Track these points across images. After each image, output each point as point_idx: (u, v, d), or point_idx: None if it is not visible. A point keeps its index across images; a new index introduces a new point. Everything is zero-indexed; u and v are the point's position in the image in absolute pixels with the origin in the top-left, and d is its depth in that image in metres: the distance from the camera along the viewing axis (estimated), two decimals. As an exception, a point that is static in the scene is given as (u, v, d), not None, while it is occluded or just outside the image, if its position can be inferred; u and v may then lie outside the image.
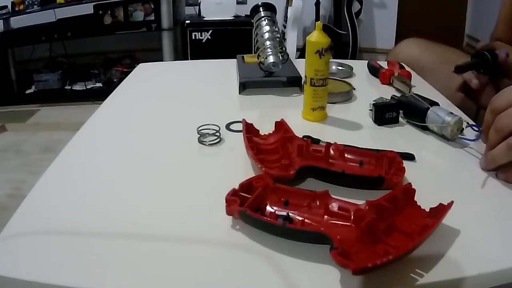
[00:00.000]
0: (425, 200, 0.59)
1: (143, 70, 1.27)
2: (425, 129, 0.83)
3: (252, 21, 1.13)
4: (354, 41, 3.07)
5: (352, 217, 0.56)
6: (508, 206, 0.62)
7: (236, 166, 0.73)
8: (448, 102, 0.98)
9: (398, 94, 1.03)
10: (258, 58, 1.07)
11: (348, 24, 3.05)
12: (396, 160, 0.67)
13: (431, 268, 0.50)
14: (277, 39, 1.06)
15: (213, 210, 0.60)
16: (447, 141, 0.80)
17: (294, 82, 1.06)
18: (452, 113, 0.79)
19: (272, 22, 1.09)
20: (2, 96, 2.80)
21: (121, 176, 0.71)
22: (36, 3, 2.77)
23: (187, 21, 2.76)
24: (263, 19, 1.08)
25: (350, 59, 2.96)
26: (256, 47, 1.08)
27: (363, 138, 0.84)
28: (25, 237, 0.56)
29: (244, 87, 1.06)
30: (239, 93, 1.04)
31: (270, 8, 1.11)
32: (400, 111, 0.89)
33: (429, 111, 0.81)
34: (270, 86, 1.07)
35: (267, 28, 1.07)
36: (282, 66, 1.05)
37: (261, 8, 1.10)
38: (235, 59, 1.22)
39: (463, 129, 0.79)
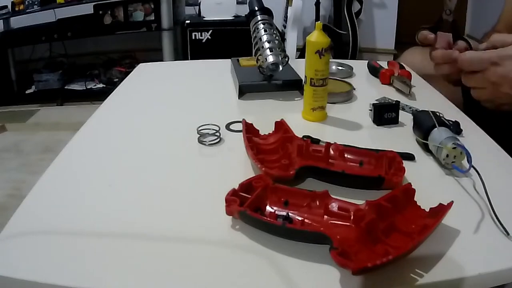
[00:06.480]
0: (425, 200, 0.59)
1: (143, 70, 1.27)
2: (426, 149, 0.76)
3: (249, 25, 1.11)
4: (354, 41, 3.07)
5: (352, 217, 0.56)
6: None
7: (236, 166, 0.73)
8: (452, 106, 0.96)
9: (400, 96, 1.04)
10: (257, 62, 1.05)
11: (348, 24, 3.05)
12: (396, 160, 0.67)
13: (431, 268, 0.50)
14: (277, 41, 1.06)
15: (213, 210, 0.60)
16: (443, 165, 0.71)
17: (294, 85, 1.04)
18: (457, 138, 0.70)
19: (270, 25, 1.08)
20: (2, 96, 2.80)
21: (121, 176, 0.71)
22: (36, 3, 2.77)
23: (187, 21, 2.76)
24: (260, 22, 1.07)
25: (350, 59, 2.96)
26: (254, 51, 1.07)
27: (363, 138, 0.84)
28: (25, 237, 0.56)
29: (243, 91, 1.03)
30: (239, 98, 1.02)
31: (267, 12, 1.10)
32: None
33: (434, 129, 0.73)
34: (270, 89, 1.05)
35: (265, 30, 1.06)
36: (282, 69, 1.04)
37: (257, 12, 1.09)
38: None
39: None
